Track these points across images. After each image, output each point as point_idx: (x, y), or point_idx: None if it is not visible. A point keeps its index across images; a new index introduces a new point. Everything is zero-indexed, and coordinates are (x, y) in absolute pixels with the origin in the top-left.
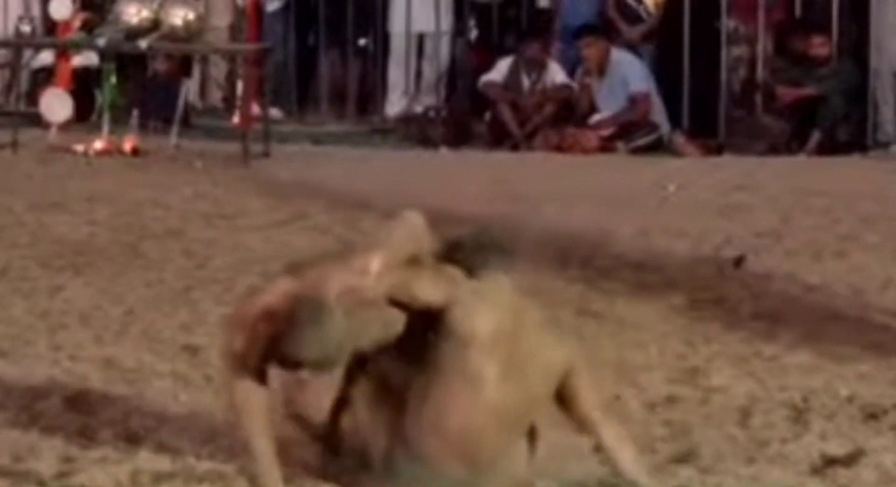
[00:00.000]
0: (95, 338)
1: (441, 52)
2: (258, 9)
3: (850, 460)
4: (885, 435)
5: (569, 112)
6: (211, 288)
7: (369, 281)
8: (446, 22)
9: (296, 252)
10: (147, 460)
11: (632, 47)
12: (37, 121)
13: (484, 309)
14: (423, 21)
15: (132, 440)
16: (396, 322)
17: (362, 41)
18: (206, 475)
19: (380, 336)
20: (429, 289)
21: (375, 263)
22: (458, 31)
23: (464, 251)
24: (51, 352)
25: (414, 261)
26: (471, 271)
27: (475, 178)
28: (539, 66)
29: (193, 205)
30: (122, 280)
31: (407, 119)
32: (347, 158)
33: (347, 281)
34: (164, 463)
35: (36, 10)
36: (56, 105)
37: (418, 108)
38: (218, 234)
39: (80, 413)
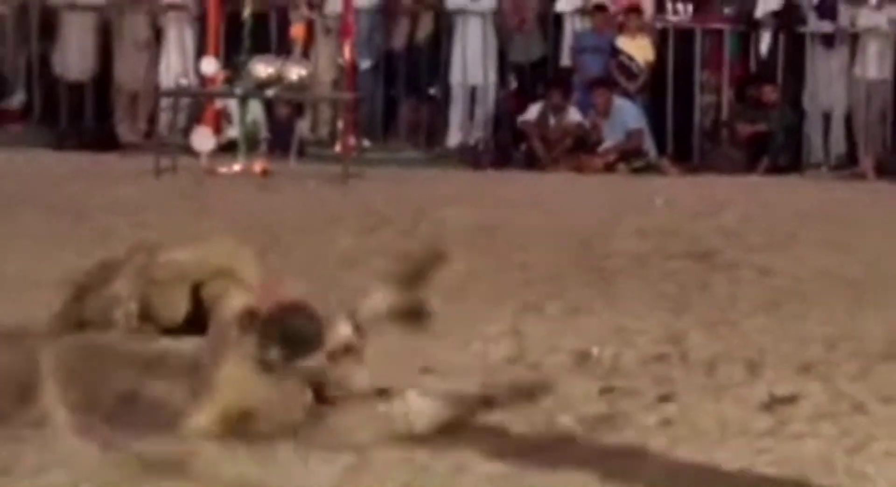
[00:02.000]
0: None
1: (488, 99)
2: (354, 67)
3: (791, 400)
4: (816, 382)
5: (583, 143)
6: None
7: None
8: (492, 76)
9: (383, 249)
10: None
11: (629, 95)
12: (190, 150)
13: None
14: (476, 75)
15: None
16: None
17: (432, 90)
18: None
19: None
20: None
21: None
22: (502, 83)
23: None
24: None
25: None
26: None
27: (512, 191)
28: (561, 110)
29: (306, 212)
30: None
31: (463, 148)
32: (420, 177)
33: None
34: None
35: (191, 68)
36: (203, 138)
37: (471, 141)
38: (323, 235)
39: None
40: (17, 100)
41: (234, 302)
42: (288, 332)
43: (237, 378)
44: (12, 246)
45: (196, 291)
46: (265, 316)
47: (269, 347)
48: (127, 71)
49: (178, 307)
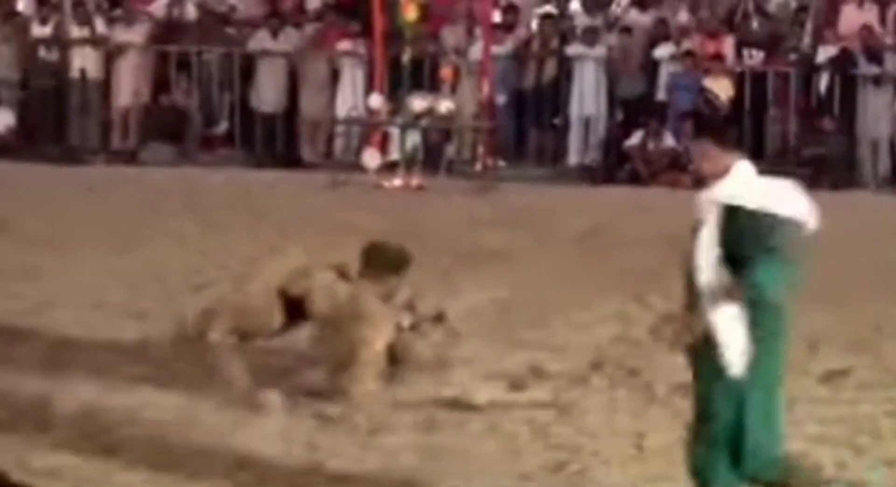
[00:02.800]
0: None
1: (600, 127)
2: (492, 102)
3: (844, 373)
4: (865, 358)
5: (676, 163)
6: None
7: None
8: (603, 109)
9: (515, 246)
10: None
11: None
12: (360, 168)
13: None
14: (590, 108)
15: None
16: None
17: (555, 121)
18: None
19: None
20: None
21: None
22: (611, 114)
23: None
24: None
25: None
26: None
27: (619, 202)
28: (659, 136)
29: (452, 218)
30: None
31: (580, 167)
32: (545, 190)
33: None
34: None
35: (361, 102)
36: (371, 158)
37: (587, 161)
38: (467, 233)
39: None
40: (221, 128)
41: (323, 278)
42: (382, 252)
43: (380, 313)
44: (214, 238)
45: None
46: (360, 254)
47: (378, 272)
48: (310, 104)
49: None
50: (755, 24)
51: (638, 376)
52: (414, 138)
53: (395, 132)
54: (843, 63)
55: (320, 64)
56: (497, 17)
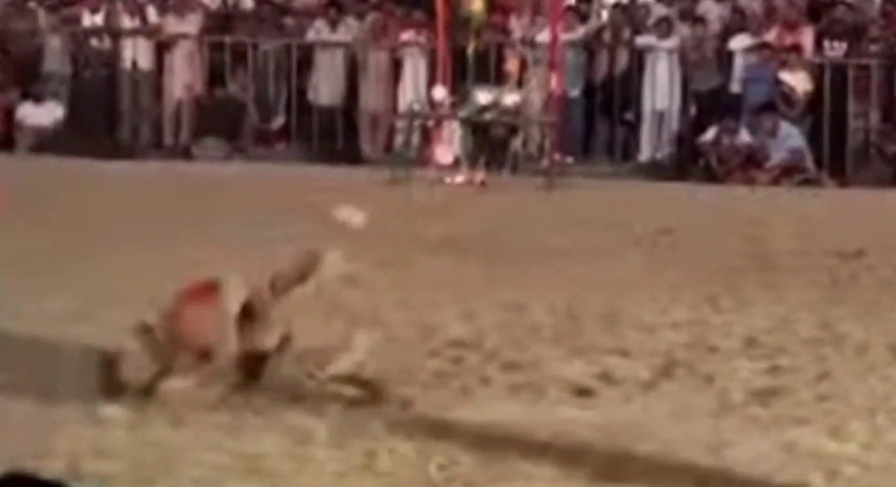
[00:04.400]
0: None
1: (673, 122)
2: (560, 94)
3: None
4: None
5: (752, 160)
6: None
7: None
8: (677, 102)
9: (580, 245)
10: None
11: (791, 119)
12: (421, 163)
13: None
14: (663, 102)
15: None
16: None
17: (627, 115)
18: None
19: None
20: None
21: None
22: (684, 108)
23: None
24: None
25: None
26: None
27: (692, 200)
28: (734, 131)
29: (516, 216)
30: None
31: (652, 163)
32: (614, 188)
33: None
34: None
35: (423, 95)
36: (443, 154)
37: (659, 156)
38: (532, 232)
39: None
40: (277, 122)
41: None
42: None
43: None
44: (266, 238)
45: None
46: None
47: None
48: (370, 97)
49: None
50: (838, 14)
51: (712, 382)
52: (478, 133)
53: (457, 126)
54: None
55: (381, 55)
56: (566, 6)
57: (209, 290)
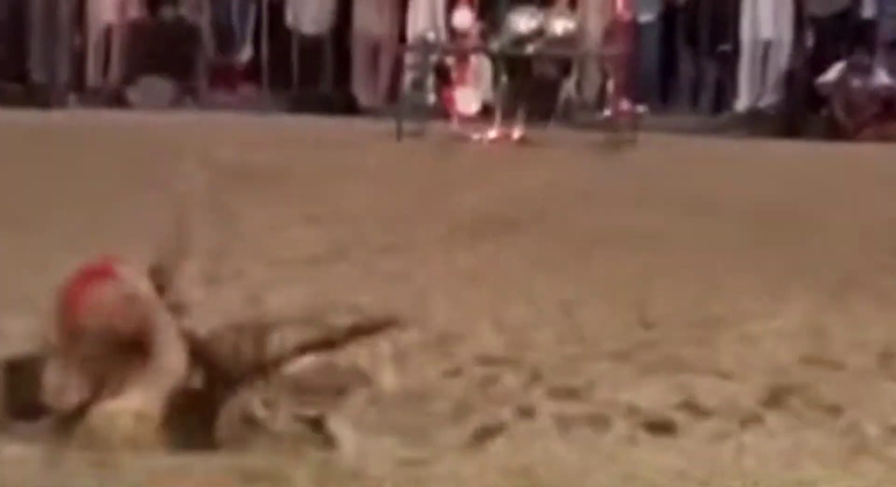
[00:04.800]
0: None
1: (782, 57)
2: (629, 20)
3: None
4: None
5: (890, 109)
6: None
7: None
8: (787, 31)
9: (642, 233)
10: None
11: None
12: (438, 113)
13: None
14: (768, 30)
15: None
16: None
17: (720, 47)
18: None
19: None
20: None
21: None
22: (797, 39)
23: None
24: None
25: None
26: None
27: (808, 164)
28: (866, 70)
29: (571, 183)
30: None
31: (752, 114)
32: (701, 147)
33: None
34: None
35: (441, 21)
36: (467, 100)
37: (762, 105)
38: (591, 207)
39: None
40: (243, 56)
41: None
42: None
43: None
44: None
45: None
46: None
47: None
48: (368, 20)
49: None
50: None
51: (838, 414)
52: (516, 72)
53: (487, 63)
54: None
55: None
56: None
57: (102, 271)
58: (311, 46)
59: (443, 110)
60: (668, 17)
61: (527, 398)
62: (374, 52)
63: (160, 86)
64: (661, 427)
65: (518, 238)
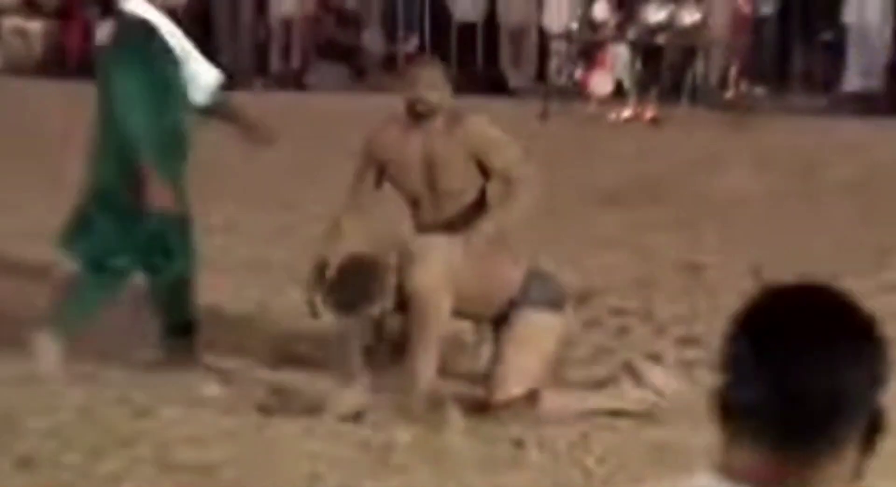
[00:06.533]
0: None
1: (884, 39)
2: (750, 12)
3: None
4: None
5: None
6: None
7: None
8: (891, 16)
9: (775, 194)
10: None
11: None
12: (580, 95)
13: None
14: (872, 16)
15: None
16: None
17: (826, 35)
18: None
19: None
20: None
21: None
22: None
23: None
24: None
25: None
26: None
27: None
28: None
29: (698, 156)
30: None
31: (859, 96)
32: (813, 126)
33: None
34: None
35: (582, 11)
36: (601, 83)
37: (868, 87)
38: (714, 178)
39: None
40: (409, 44)
41: None
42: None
43: None
44: None
45: None
46: None
47: None
48: (511, 9)
49: None
50: None
51: None
52: (649, 58)
53: (623, 50)
54: None
55: None
56: None
57: None
58: (467, 32)
59: (581, 92)
60: (784, 11)
61: (655, 345)
62: (516, 37)
63: (335, 71)
64: None
65: (647, 204)
